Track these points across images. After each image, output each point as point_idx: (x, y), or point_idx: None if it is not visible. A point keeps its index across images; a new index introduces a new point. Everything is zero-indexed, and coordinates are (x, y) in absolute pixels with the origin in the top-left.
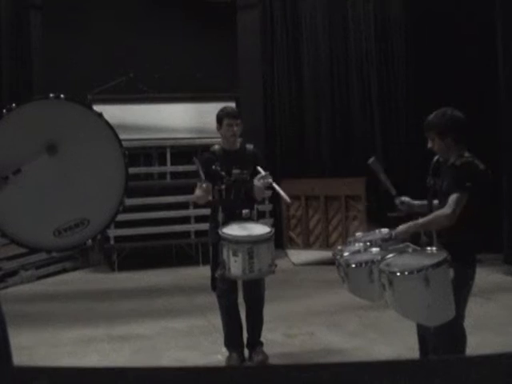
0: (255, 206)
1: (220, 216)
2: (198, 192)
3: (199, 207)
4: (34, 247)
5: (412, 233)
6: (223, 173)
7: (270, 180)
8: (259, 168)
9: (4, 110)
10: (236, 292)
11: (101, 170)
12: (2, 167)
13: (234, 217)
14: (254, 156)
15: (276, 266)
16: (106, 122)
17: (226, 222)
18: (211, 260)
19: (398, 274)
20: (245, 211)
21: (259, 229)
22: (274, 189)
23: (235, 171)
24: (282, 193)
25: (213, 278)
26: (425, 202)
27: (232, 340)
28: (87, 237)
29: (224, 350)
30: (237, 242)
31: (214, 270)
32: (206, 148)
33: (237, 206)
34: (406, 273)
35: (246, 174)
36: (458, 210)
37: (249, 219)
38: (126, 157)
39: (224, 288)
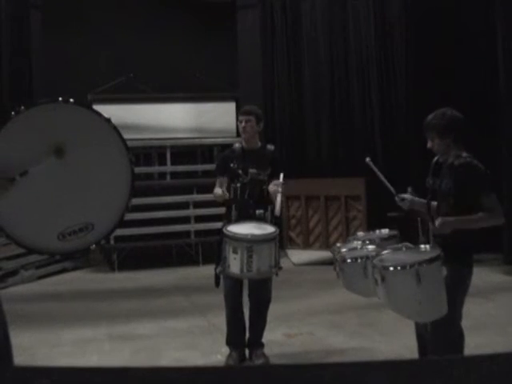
0: (269, 207)
1: (233, 214)
2: (216, 190)
3: (199, 207)
4: (38, 250)
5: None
6: (240, 171)
7: (280, 189)
8: (281, 175)
9: (12, 113)
10: (241, 291)
11: (107, 174)
12: (8, 169)
13: (248, 216)
14: (272, 157)
15: (280, 268)
16: (114, 128)
17: (238, 221)
18: (216, 257)
19: (391, 268)
20: (258, 211)
21: (264, 228)
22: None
23: (252, 171)
24: (278, 205)
25: (215, 275)
26: (425, 201)
27: (233, 339)
28: (91, 242)
29: (224, 349)
30: (236, 239)
31: (216, 266)
32: (206, 148)
33: (250, 205)
34: (399, 268)
35: (263, 175)
36: (499, 206)
37: (262, 220)
38: (132, 163)
39: (229, 287)
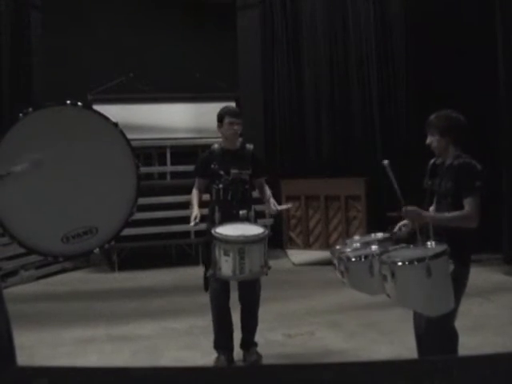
0: (253, 207)
1: (216, 216)
2: (193, 194)
3: (199, 207)
4: (42, 252)
5: (421, 223)
6: (222, 172)
7: (276, 210)
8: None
9: (20, 114)
10: (228, 293)
11: (113, 179)
12: (5, 165)
13: (231, 217)
14: (252, 157)
15: (270, 267)
16: (121, 132)
17: (222, 222)
18: (204, 259)
19: (400, 263)
20: (242, 212)
21: (253, 229)
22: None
23: (233, 171)
24: (284, 207)
25: (205, 278)
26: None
27: (221, 342)
28: (95, 245)
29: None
30: (228, 241)
31: (206, 270)
32: (206, 148)
33: (234, 206)
34: (407, 263)
35: (245, 174)
36: (479, 212)
37: (246, 220)
38: (138, 168)
39: (216, 288)
